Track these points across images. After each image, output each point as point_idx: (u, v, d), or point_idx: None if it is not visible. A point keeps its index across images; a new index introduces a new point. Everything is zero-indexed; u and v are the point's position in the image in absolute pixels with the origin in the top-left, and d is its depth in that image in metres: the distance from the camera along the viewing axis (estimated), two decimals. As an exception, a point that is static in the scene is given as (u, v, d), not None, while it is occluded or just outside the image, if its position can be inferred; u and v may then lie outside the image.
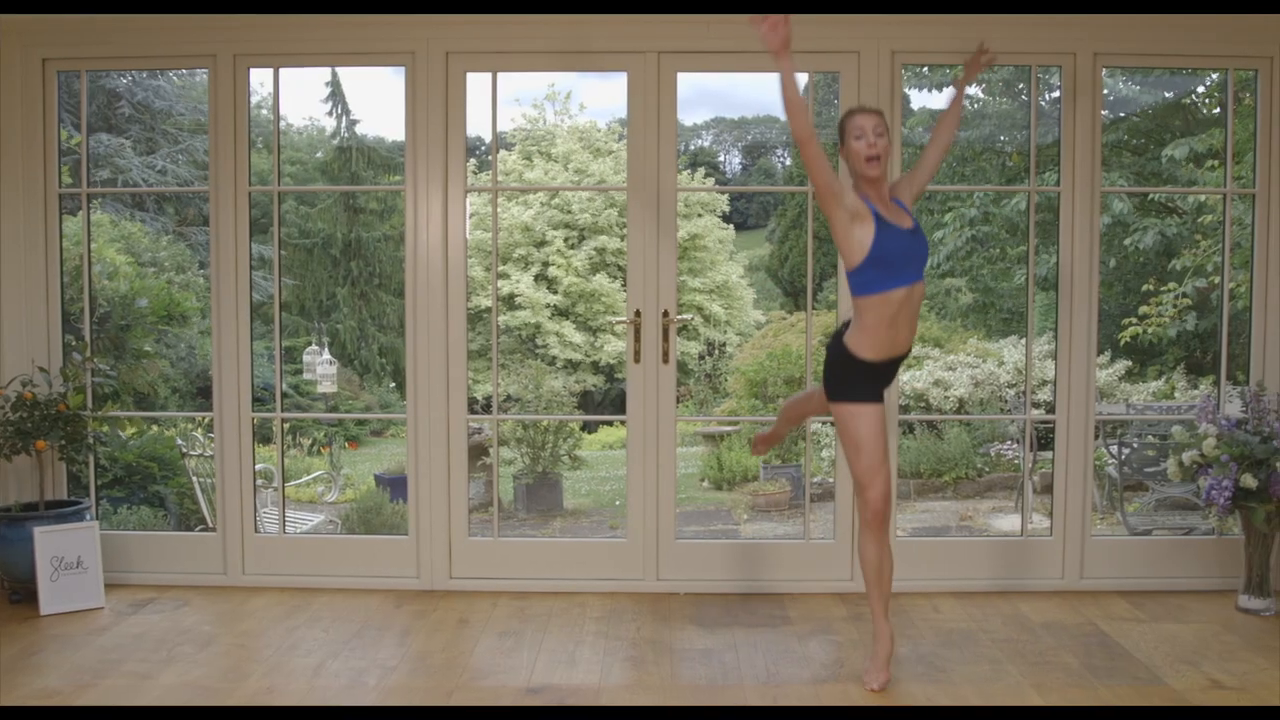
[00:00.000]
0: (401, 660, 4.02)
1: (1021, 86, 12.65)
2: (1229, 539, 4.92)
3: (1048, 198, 7.65)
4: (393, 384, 17.24)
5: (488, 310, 14.98)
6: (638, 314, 4.87)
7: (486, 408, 11.83)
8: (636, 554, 4.95)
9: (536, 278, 17.09)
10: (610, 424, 14.95)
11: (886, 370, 3.73)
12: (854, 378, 3.67)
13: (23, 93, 4.90)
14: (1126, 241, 11.15)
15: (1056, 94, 5.65)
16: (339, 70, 18.21)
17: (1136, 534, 7.20)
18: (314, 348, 14.55)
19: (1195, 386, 10.42)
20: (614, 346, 16.81)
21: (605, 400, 17.10)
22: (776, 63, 3.44)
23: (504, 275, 16.49)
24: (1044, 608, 4.68)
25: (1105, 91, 10.20)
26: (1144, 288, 11.27)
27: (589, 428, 14.76)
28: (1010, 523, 8.29)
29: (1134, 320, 11.05)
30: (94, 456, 5.08)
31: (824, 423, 7.42)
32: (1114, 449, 7.59)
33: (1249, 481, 4.42)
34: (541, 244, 17.17)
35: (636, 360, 4.91)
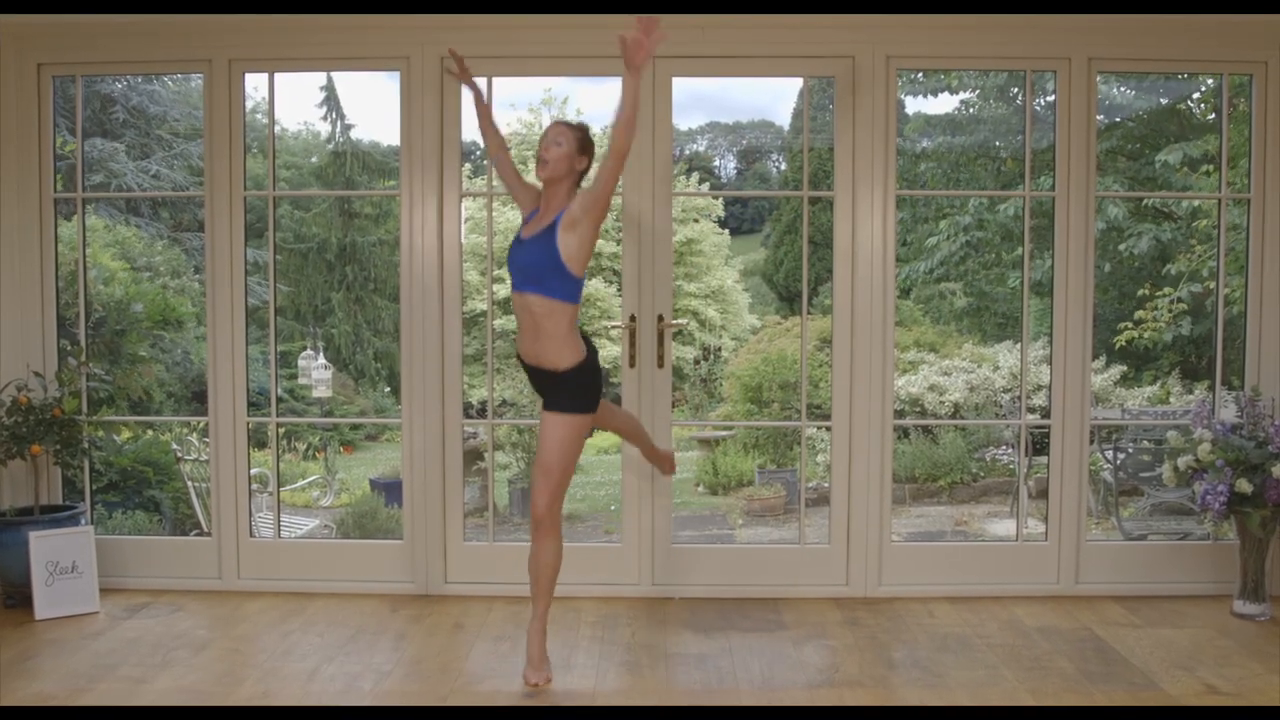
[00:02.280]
0: (396, 665, 4.02)
1: (1016, 91, 12.66)
2: (1224, 544, 4.93)
3: (1042, 203, 7.65)
4: (388, 388, 17.22)
5: (483, 314, 14.97)
6: (633, 319, 4.87)
7: (482, 412, 11.83)
8: (632, 559, 4.95)
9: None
10: (605, 428, 14.94)
11: (533, 377, 3.98)
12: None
13: (18, 97, 4.89)
14: (1121, 246, 11.17)
15: (1051, 99, 5.66)
16: (334, 75, 18.21)
17: (1132, 539, 7.21)
18: (309, 352, 14.53)
19: (1190, 391, 10.44)
20: (609, 351, 16.77)
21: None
22: (633, 75, 3.61)
23: (499, 279, 16.49)
24: (1039, 613, 4.68)
25: (1100, 96, 10.23)
26: (1139, 293, 11.29)
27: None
28: (1005, 527, 8.29)
29: (1129, 325, 11.07)
30: (89, 461, 5.07)
31: (820, 427, 7.42)
32: (1109, 454, 7.60)
33: (1244, 486, 4.42)
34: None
35: (632, 365, 4.91)
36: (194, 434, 7.61)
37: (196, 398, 11.76)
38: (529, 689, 3.77)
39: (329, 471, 10.68)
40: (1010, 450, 9.66)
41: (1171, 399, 10.18)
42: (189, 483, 6.82)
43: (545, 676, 3.83)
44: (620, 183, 4.86)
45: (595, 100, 29.82)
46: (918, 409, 10.22)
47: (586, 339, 3.90)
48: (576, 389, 3.84)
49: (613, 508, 9.67)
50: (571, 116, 19.38)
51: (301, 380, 14.41)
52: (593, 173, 3.81)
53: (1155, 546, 5.26)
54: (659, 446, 4.62)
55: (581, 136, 3.86)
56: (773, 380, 11.12)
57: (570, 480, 3.94)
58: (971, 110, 13.33)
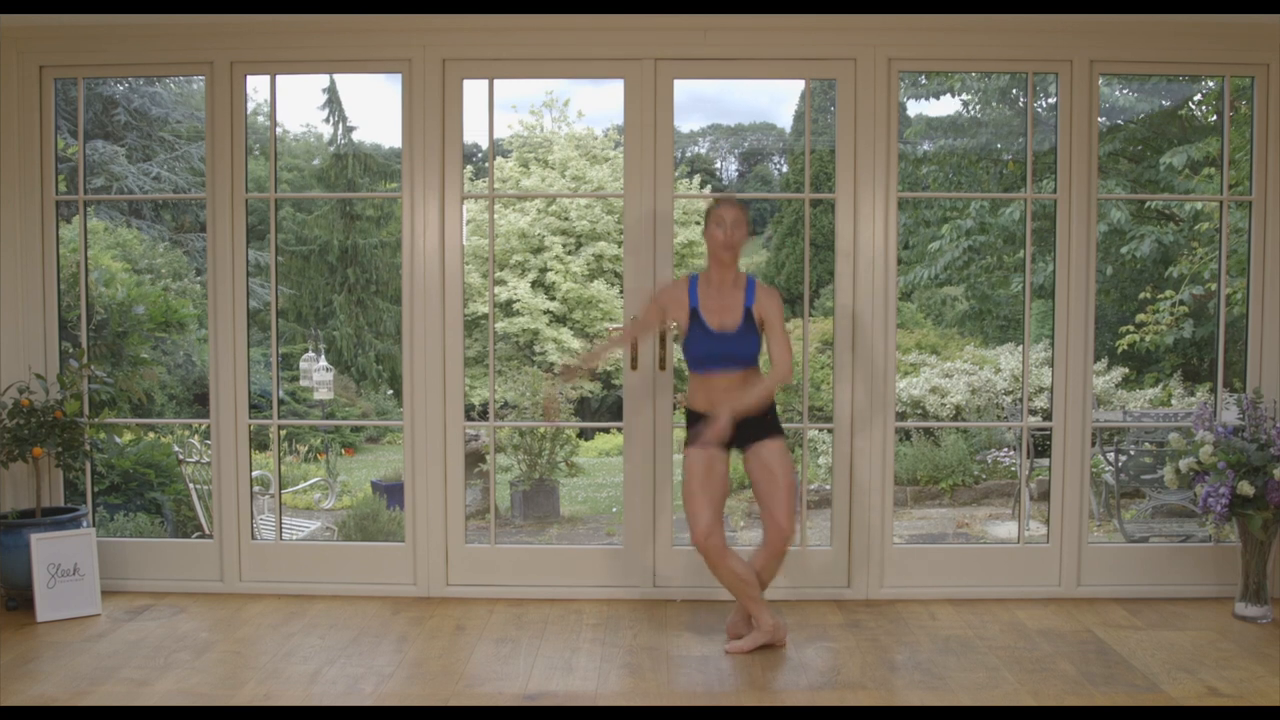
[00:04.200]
0: (398, 667, 4.02)
1: (1018, 94, 12.66)
2: (1226, 546, 4.93)
3: (1044, 205, 7.65)
4: (389, 391, 17.22)
5: (484, 317, 14.99)
6: (634, 321, 4.87)
7: (483, 414, 11.83)
8: (633, 561, 4.95)
9: (534, 284, 17.07)
10: (607, 431, 14.94)
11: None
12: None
13: (19, 99, 4.90)
14: (1123, 249, 11.17)
15: (1053, 101, 5.66)
16: (336, 77, 18.22)
17: (1133, 541, 7.20)
18: (311, 354, 14.51)
19: (1192, 394, 10.42)
20: (611, 353, 16.79)
21: (602, 407, 17.08)
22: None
23: (501, 281, 16.50)
24: (1041, 615, 4.68)
25: (1101, 99, 10.23)
26: (1141, 295, 11.28)
27: (586, 434, 14.73)
28: (1007, 530, 8.28)
29: (1131, 328, 11.06)
30: (91, 463, 5.08)
31: (822, 429, 7.42)
32: (1111, 456, 7.59)
33: (1246, 489, 4.42)
34: (539, 250, 17.16)
35: (634, 367, 4.91)
36: (196, 436, 7.61)
37: (198, 400, 11.78)
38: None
39: (330, 474, 10.67)
40: (1012, 452, 9.65)
41: (1173, 401, 10.17)
42: (190, 485, 6.83)
43: (769, 637, 4.21)
44: (621, 185, 4.87)
45: (596, 102, 29.82)
46: (919, 411, 10.21)
47: None
48: (777, 413, 4.29)
49: (614, 510, 9.67)
50: (572, 119, 19.43)
51: (303, 382, 14.39)
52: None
53: (1157, 549, 5.26)
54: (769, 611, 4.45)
55: (749, 215, 4.24)
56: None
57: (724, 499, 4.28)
58: (972, 112, 13.32)
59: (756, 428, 4.20)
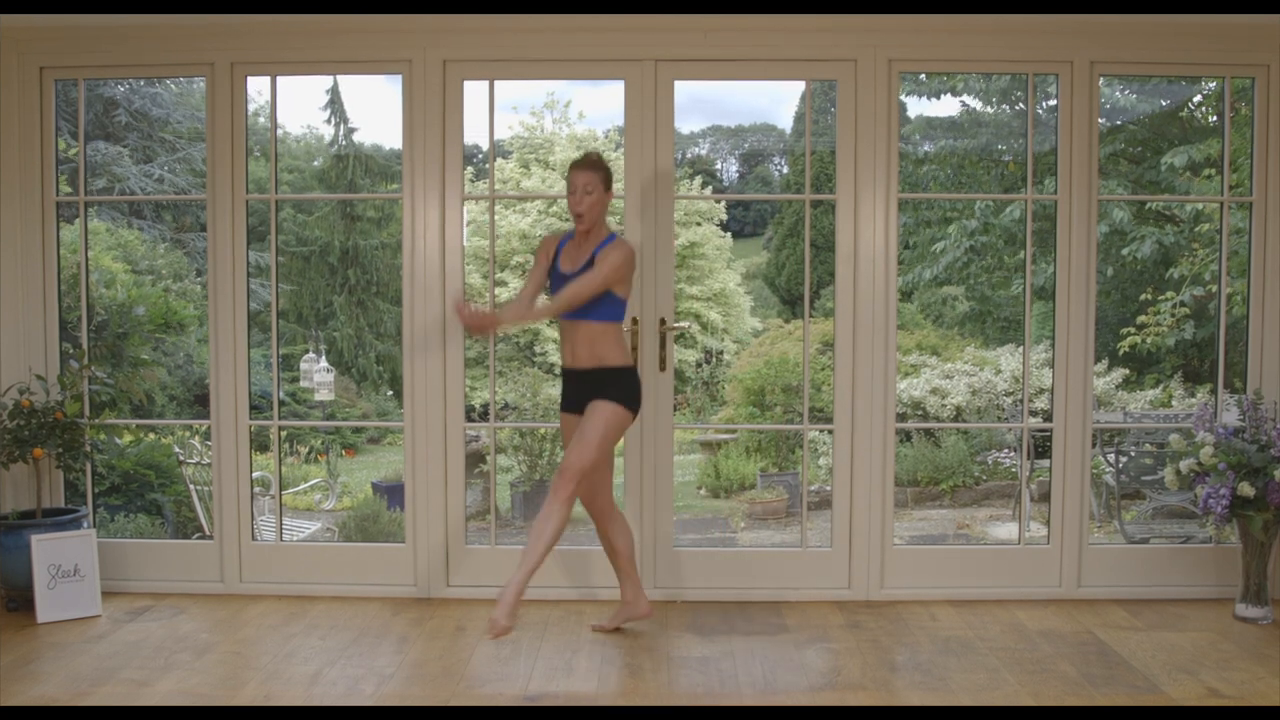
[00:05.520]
0: (399, 668, 4.02)
1: (1019, 95, 12.66)
2: (1226, 547, 4.93)
3: (1045, 206, 7.66)
4: (390, 391, 17.20)
5: (485, 318, 14.96)
6: (635, 321, 4.87)
7: (484, 415, 11.82)
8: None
9: (534, 285, 17.09)
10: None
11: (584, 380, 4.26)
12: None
13: (20, 101, 4.90)
14: (1124, 250, 11.16)
15: (1054, 102, 5.67)
16: (338, 78, 18.21)
17: (1134, 542, 7.21)
18: (311, 355, 14.50)
19: (1192, 395, 10.42)
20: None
21: (602, 408, 17.08)
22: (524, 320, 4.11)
23: (502, 283, 16.49)
24: (1041, 616, 4.68)
25: (1102, 100, 10.23)
26: (1141, 296, 11.28)
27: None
28: (1007, 531, 8.29)
29: (1132, 329, 11.05)
30: (91, 464, 5.08)
31: (822, 430, 7.41)
32: (1111, 457, 7.60)
33: (1246, 490, 4.42)
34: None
35: (634, 368, 4.90)
36: (196, 437, 7.61)
37: (199, 401, 11.77)
38: (492, 636, 3.84)
39: (331, 475, 10.66)
40: (1012, 454, 9.66)
41: (1173, 402, 10.16)
42: (191, 486, 6.83)
43: (507, 626, 3.83)
44: (622, 186, 4.87)
45: (597, 103, 29.80)
46: (920, 412, 10.21)
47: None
48: (629, 384, 4.19)
49: (615, 511, 9.64)
50: (573, 120, 19.42)
51: (303, 383, 14.38)
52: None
53: (1157, 550, 5.26)
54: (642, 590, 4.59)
55: (605, 174, 4.14)
56: (775, 383, 11.11)
57: (596, 466, 4.15)
58: (974, 114, 13.32)
59: (593, 389, 4.17)
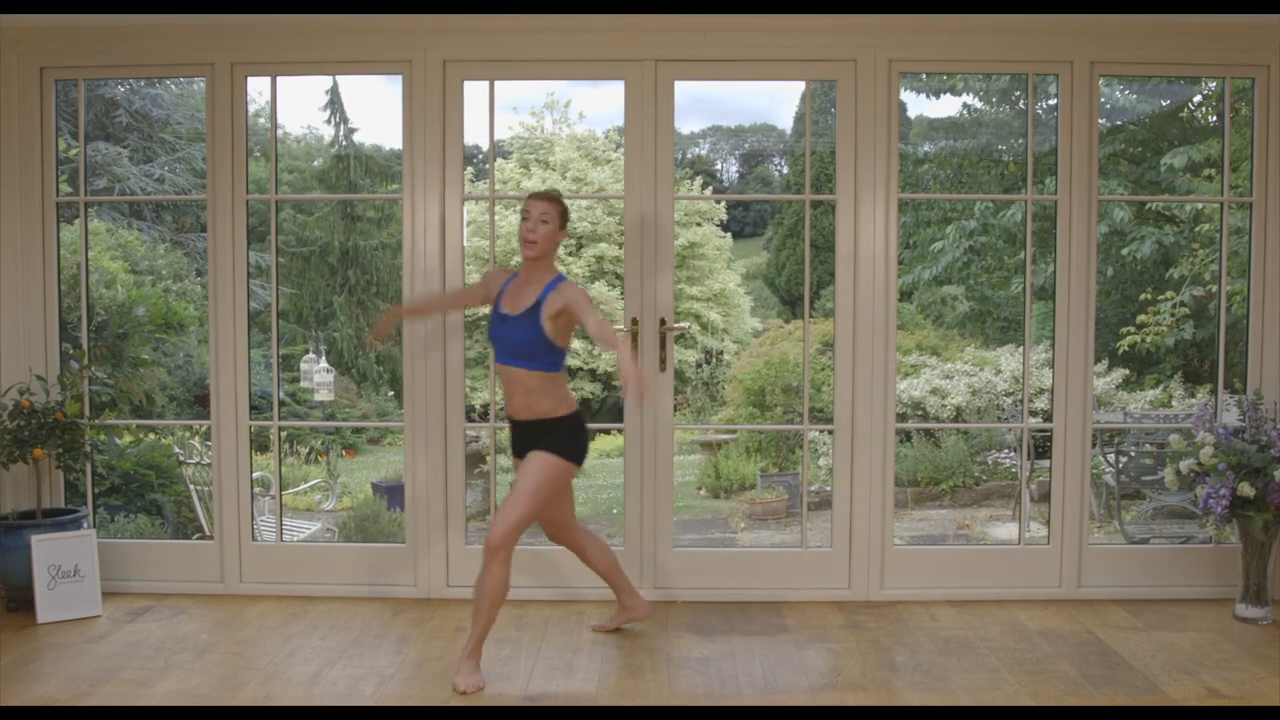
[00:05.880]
0: (399, 668, 4.02)
1: (1019, 95, 12.66)
2: (1226, 547, 4.93)
3: (1045, 207, 7.66)
4: (390, 392, 17.20)
5: (485, 318, 14.99)
6: (635, 322, 4.88)
7: (484, 415, 11.82)
8: (634, 562, 4.95)
9: (534, 285, 17.08)
10: (608, 432, 14.93)
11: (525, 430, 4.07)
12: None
13: (20, 101, 4.90)
14: (1124, 251, 11.16)
15: (1054, 102, 5.67)
16: (338, 78, 18.21)
17: (1134, 542, 7.21)
18: (311, 356, 14.50)
19: (1192, 395, 10.42)
20: (612, 355, 16.78)
21: (602, 408, 17.06)
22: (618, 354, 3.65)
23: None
24: (1041, 616, 4.68)
25: (1102, 100, 10.23)
26: (1141, 296, 11.28)
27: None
28: (1008, 531, 8.29)
29: (1132, 329, 11.06)
30: (91, 465, 5.08)
31: (822, 431, 7.41)
32: (1111, 457, 7.60)
33: (1246, 490, 4.42)
34: (540, 251, 17.15)
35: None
36: (196, 437, 7.61)
37: (199, 401, 11.77)
38: (460, 693, 3.77)
39: (331, 475, 10.66)
40: (1012, 454, 9.66)
41: (1174, 403, 10.16)
42: (191, 486, 6.83)
43: (477, 684, 3.81)
44: (622, 186, 4.88)
45: (597, 103, 29.82)
46: (920, 412, 10.21)
47: (572, 397, 4.08)
48: (570, 435, 4.00)
49: (615, 511, 9.66)
50: (573, 120, 19.41)
51: (303, 384, 14.38)
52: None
53: (1157, 550, 5.26)
54: (637, 594, 4.57)
55: (563, 210, 4.00)
56: (775, 384, 11.11)
57: (532, 521, 3.98)
58: (974, 114, 13.32)
59: (532, 439, 3.99)
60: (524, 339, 3.92)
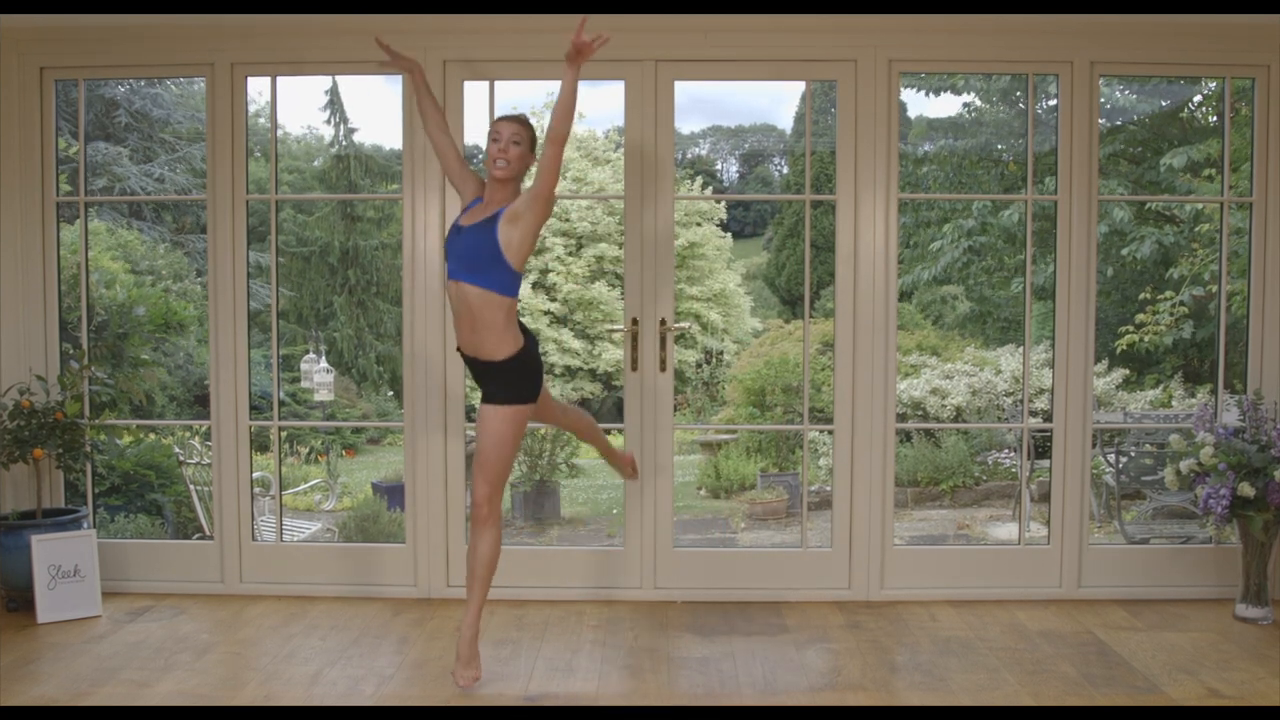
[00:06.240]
0: (399, 669, 4.02)
1: (1019, 95, 12.66)
2: (1226, 548, 4.93)
3: (1045, 206, 7.66)
4: (390, 392, 17.20)
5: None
6: (635, 322, 4.88)
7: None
8: (634, 562, 4.95)
9: (535, 285, 17.08)
10: (608, 432, 14.94)
11: (472, 368, 3.93)
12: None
13: (20, 101, 4.90)
14: (1124, 251, 11.16)
15: (1054, 102, 5.67)
16: (338, 79, 18.21)
17: (1134, 543, 7.21)
18: (311, 356, 14.50)
19: (1192, 395, 10.42)
20: (612, 354, 16.78)
21: (603, 408, 17.07)
22: (573, 70, 3.67)
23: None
24: (1041, 616, 4.68)
25: (1102, 100, 10.23)
26: (1141, 296, 11.28)
27: (586, 435, 14.67)
28: (1008, 531, 8.29)
29: (1131, 329, 11.06)
30: (91, 465, 5.08)
31: (822, 431, 7.41)
32: (1111, 457, 7.60)
33: (1246, 490, 4.42)
34: (540, 251, 17.15)
35: (634, 368, 4.91)
36: (196, 437, 7.61)
37: (199, 401, 11.77)
38: (459, 688, 3.78)
39: (331, 475, 10.66)
40: (1012, 454, 9.66)
41: (1174, 403, 10.16)
42: (191, 486, 6.82)
43: (474, 675, 3.82)
44: (622, 187, 4.88)
45: (597, 103, 29.79)
46: (920, 412, 10.21)
47: (525, 330, 3.87)
48: (514, 378, 3.83)
49: (615, 511, 9.66)
50: (574, 120, 19.41)
51: (303, 384, 14.38)
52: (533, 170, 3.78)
53: (1157, 550, 5.26)
54: (619, 449, 4.60)
55: (533, 135, 3.86)
56: (775, 384, 11.11)
57: (509, 473, 3.94)
58: (974, 114, 13.32)
59: (485, 386, 3.86)
60: (477, 245, 3.72)
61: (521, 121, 3.83)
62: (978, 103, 13.28)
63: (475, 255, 3.72)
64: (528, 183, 3.85)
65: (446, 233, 3.88)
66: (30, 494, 4.91)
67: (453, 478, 4.95)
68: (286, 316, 17.40)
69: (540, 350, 3.97)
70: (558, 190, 3.80)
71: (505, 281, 3.74)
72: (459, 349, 3.93)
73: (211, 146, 4.92)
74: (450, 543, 4.96)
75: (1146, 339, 10.90)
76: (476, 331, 3.77)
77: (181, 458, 6.96)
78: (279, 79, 5.01)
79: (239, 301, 4.95)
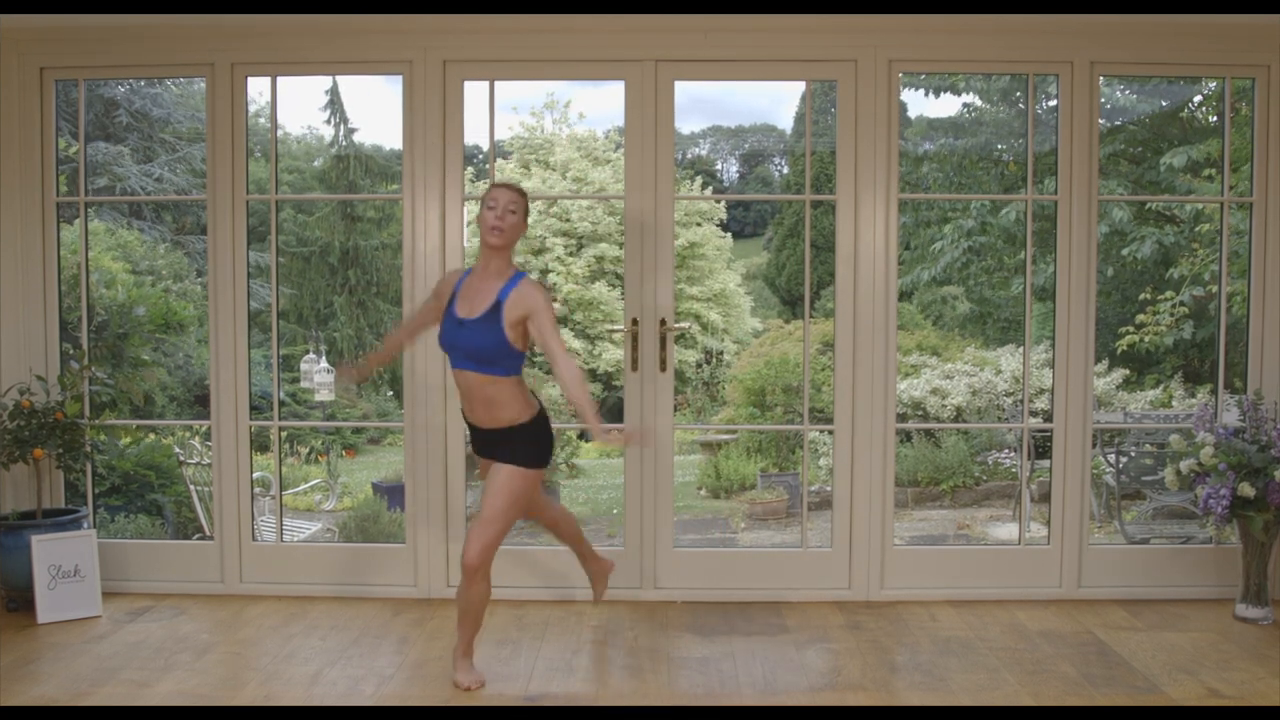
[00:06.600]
0: (399, 669, 4.02)
1: (1019, 95, 12.66)
2: (1227, 548, 4.92)
3: (1045, 206, 7.66)
4: (390, 392, 17.20)
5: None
6: (635, 322, 4.88)
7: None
8: (634, 562, 4.95)
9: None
10: (608, 433, 14.90)
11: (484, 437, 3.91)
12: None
13: (20, 101, 4.90)
14: (1124, 251, 11.16)
15: (1054, 102, 5.67)
16: (338, 79, 18.22)
17: (1134, 543, 7.20)
18: (311, 356, 14.49)
19: (1193, 395, 10.42)
20: (612, 354, 16.78)
21: (603, 408, 17.08)
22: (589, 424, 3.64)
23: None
24: (1042, 616, 4.68)
25: (1102, 100, 10.23)
26: (1141, 296, 11.27)
27: (586, 436, 14.69)
28: (1008, 531, 8.28)
29: (1131, 329, 11.05)
30: (91, 465, 5.08)
31: (823, 431, 7.42)
32: (1111, 457, 7.60)
33: (1246, 490, 4.42)
34: (540, 252, 17.17)
35: (634, 368, 4.91)
36: (196, 437, 7.61)
37: (199, 401, 11.77)
38: (463, 690, 3.80)
39: (331, 475, 10.66)
40: (1012, 454, 9.65)
41: (1174, 403, 10.16)
42: (191, 486, 6.82)
43: (478, 679, 3.84)
44: (622, 187, 4.88)
45: (597, 103, 29.84)
46: (920, 413, 10.21)
47: (536, 396, 3.88)
48: (534, 441, 3.82)
49: (615, 511, 9.66)
50: (573, 120, 19.42)
51: (304, 384, 14.38)
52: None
53: (1158, 550, 5.26)
54: (601, 557, 4.53)
55: (527, 204, 3.83)
56: (775, 384, 11.11)
57: (507, 535, 3.82)
58: (974, 113, 13.32)
59: (498, 450, 3.83)
60: (484, 343, 3.70)
61: (518, 190, 3.80)
62: (978, 103, 13.28)
63: (482, 350, 3.72)
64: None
65: (440, 323, 3.83)
66: (30, 494, 4.91)
67: (453, 478, 4.95)
68: (287, 316, 17.40)
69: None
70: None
71: (515, 364, 3.78)
72: (465, 418, 3.93)
73: (211, 146, 4.92)
74: (450, 543, 4.96)
75: (1147, 339, 10.90)
76: (492, 410, 3.78)
77: (181, 458, 6.96)
78: (279, 79, 5.01)
79: (239, 301, 4.95)
